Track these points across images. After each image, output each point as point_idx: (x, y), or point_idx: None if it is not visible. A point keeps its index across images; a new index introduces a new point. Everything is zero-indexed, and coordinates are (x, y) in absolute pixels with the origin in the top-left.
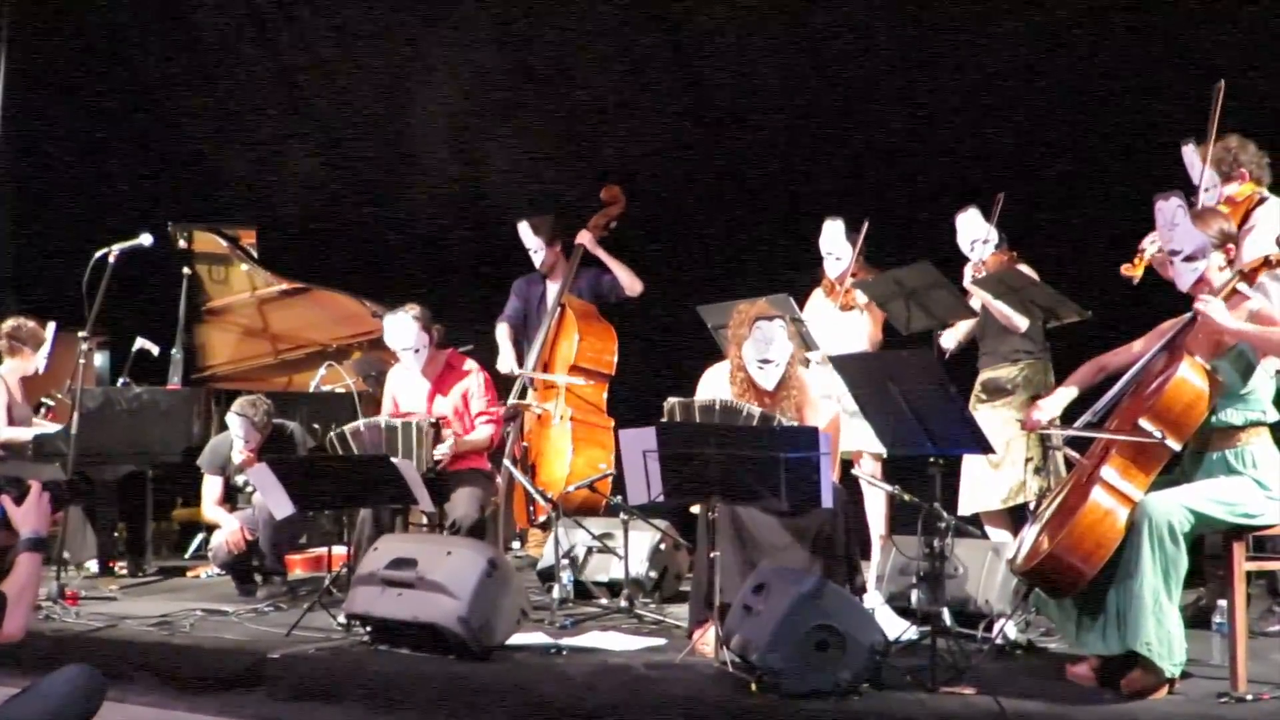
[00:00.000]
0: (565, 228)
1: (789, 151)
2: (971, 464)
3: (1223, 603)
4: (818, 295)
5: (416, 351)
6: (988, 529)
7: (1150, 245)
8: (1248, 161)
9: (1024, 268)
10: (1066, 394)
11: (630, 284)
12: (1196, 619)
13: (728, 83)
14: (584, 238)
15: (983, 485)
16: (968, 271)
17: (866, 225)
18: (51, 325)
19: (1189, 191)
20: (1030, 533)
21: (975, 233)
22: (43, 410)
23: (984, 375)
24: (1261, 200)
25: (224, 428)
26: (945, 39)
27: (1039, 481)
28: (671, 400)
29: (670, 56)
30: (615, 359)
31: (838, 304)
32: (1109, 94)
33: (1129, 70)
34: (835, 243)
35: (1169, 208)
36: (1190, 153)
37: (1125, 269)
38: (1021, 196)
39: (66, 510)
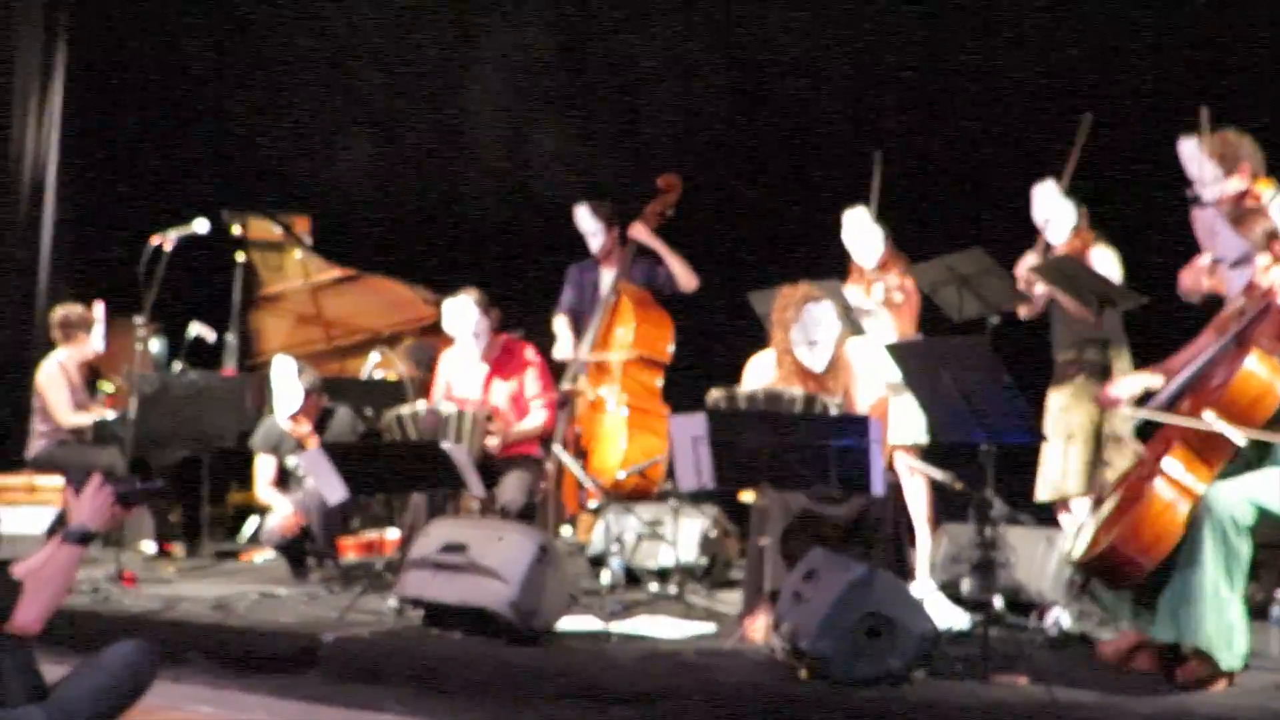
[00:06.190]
0: (622, 213)
1: (845, 137)
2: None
3: None
4: (848, 289)
5: (477, 336)
6: (1060, 515)
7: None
8: (1248, 155)
9: (1103, 249)
10: (1147, 378)
11: (686, 279)
12: (1253, 611)
13: (782, 67)
14: (638, 230)
15: (1044, 472)
16: (1022, 263)
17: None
18: (99, 305)
19: (1186, 185)
20: (1090, 524)
21: (1049, 210)
22: (100, 396)
23: (1057, 361)
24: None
25: None
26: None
27: (1097, 473)
28: (714, 393)
29: (721, 41)
30: (672, 347)
31: (865, 293)
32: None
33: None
34: (866, 230)
35: (1206, 216)
36: (1191, 147)
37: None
38: (1091, 175)
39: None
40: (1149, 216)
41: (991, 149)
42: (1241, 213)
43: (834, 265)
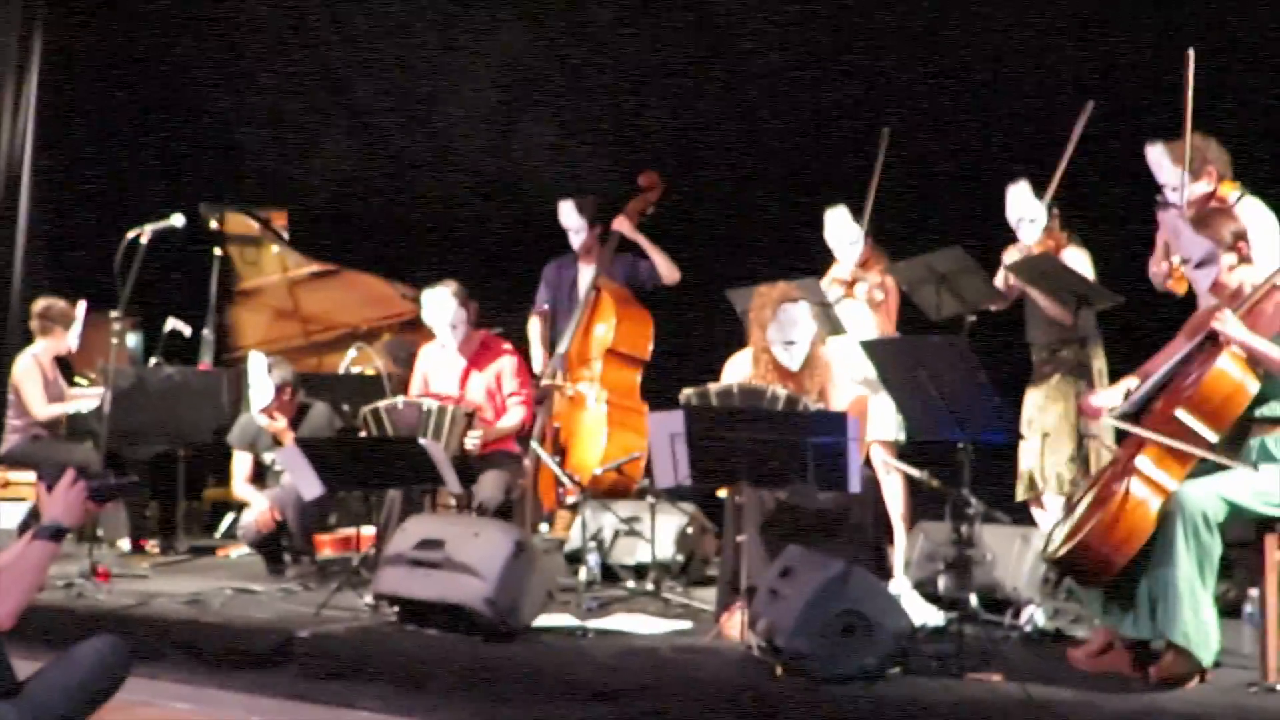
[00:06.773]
0: (603, 211)
1: (826, 135)
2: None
3: (1254, 592)
4: (826, 282)
5: (454, 328)
6: (1034, 512)
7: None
8: (1214, 158)
9: (1076, 250)
10: (1130, 385)
11: (668, 272)
12: (1226, 609)
13: (767, 63)
14: (621, 223)
15: (1021, 470)
16: (1007, 255)
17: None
18: (81, 304)
19: (1156, 190)
20: (1064, 522)
21: (1023, 210)
22: (88, 380)
23: (1033, 360)
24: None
25: None
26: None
27: (1073, 471)
28: (687, 391)
29: (701, 37)
30: (651, 344)
31: (847, 294)
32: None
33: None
34: (847, 229)
35: (1169, 219)
36: (1158, 153)
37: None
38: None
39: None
40: (1122, 215)
41: (984, 147)
42: (1205, 214)
43: (815, 262)
